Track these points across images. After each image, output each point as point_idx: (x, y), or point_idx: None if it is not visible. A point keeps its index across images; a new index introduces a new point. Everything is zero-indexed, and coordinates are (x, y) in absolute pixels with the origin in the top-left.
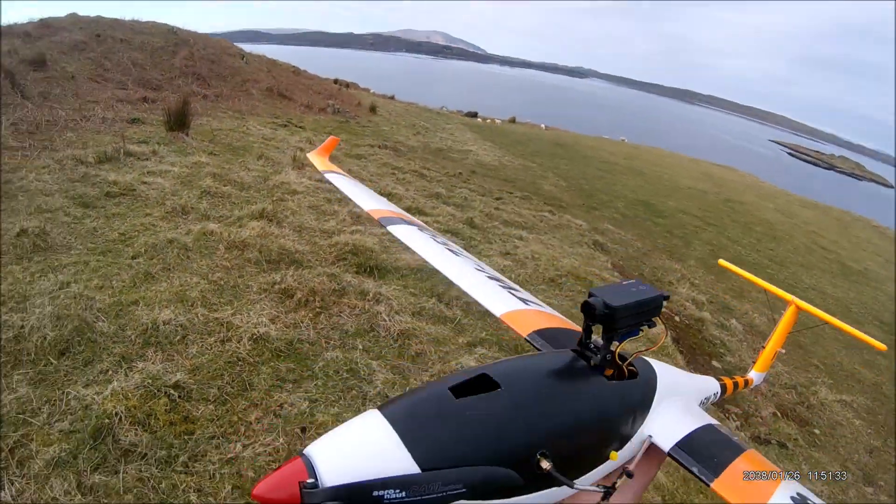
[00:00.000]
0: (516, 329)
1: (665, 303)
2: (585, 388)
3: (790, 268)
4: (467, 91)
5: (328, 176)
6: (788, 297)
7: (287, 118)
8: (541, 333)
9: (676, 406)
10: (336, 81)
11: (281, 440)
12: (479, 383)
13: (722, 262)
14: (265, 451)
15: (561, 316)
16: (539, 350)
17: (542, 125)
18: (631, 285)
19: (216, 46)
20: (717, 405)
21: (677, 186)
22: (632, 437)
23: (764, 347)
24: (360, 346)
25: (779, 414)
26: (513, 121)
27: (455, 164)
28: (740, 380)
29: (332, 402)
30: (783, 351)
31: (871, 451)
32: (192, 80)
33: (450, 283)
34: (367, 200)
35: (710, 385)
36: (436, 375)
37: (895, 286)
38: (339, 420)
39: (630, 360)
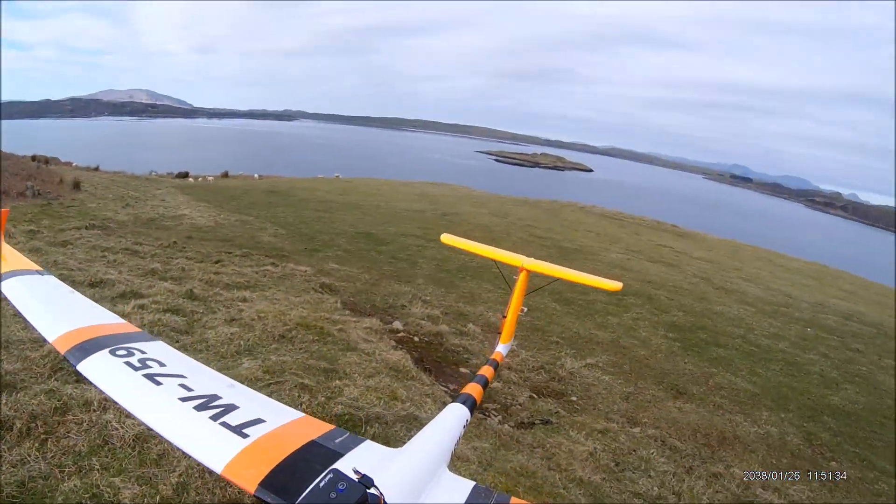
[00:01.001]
0: (242, 485)
1: (362, 486)
2: None
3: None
4: (177, 150)
5: (5, 287)
6: (518, 262)
7: None
8: (271, 481)
9: None
10: (34, 158)
11: None
12: None
13: (445, 237)
14: None
15: (293, 414)
16: None
17: (256, 175)
18: (328, 486)
19: None
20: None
21: (395, 212)
22: None
23: (505, 317)
24: (98, 466)
25: (535, 396)
26: (225, 175)
27: (169, 232)
28: (497, 360)
29: None
30: (525, 310)
31: (626, 398)
32: None
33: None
34: (61, 317)
35: (457, 418)
36: (184, 473)
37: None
38: None
39: None
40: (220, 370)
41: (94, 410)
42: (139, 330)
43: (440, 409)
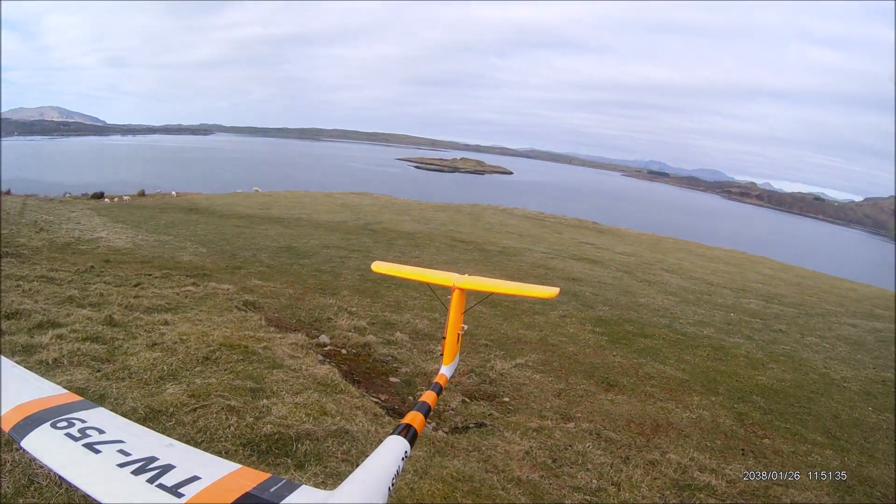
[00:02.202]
0: None
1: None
2: None
3: (439, 268)
4: (91, 169)
5: None
6: (448, 282)
7: None
8: None
9: None
10: None
11: None
12: None
13: (376, 265)
14: None
15: (229, 467)
16: None
17: (173, 192)
18: None
19: None
20: None
21: (317, 223)
22: None
23: (444, 339)
24: None
25: (467, 399)
26: (142, 194)
27: (86, 256)
28: (440, 383)
29: None
30: (465, 328)
31: (558, 394)
32: None
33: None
34: (4, 395)
35: (395, 452)
36: None
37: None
38: None
39: None
40: (143, 397)
41: (17, 449)
42: (80, 399)
43: (371, 422)
